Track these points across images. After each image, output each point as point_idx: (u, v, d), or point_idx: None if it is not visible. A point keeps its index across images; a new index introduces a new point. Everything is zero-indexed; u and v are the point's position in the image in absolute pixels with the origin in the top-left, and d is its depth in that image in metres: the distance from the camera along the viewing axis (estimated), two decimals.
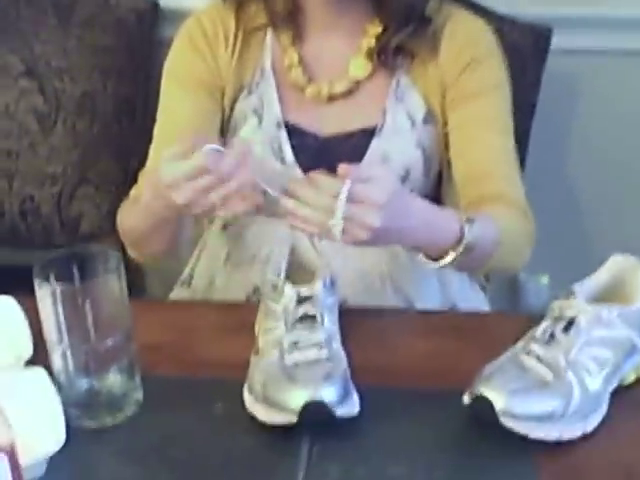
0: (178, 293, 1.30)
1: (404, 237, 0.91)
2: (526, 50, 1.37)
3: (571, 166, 1.66)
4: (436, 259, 0.96)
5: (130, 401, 0.87)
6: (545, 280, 1.74)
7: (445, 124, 1.16)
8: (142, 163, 1.60)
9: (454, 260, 0.95)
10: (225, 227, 1.26)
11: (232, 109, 1.19)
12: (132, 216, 1.10)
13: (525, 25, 1.38)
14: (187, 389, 0.90)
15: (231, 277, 1.23)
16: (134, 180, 1.60)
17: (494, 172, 1.12)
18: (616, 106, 1.60)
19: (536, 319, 0.90)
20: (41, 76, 1.54)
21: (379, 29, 1.15)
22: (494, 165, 1.12)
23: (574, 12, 1.48)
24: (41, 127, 1.55)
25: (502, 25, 1.31)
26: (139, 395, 0.88)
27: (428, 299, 1.19)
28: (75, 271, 0.85)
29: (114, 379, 0.86)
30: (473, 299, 1.26)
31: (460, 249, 0.94)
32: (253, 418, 0.85)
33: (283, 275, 0.95)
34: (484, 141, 1.14)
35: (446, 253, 0.95)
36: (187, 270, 1.31)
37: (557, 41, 1.39)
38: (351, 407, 0.84)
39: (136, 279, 1.64)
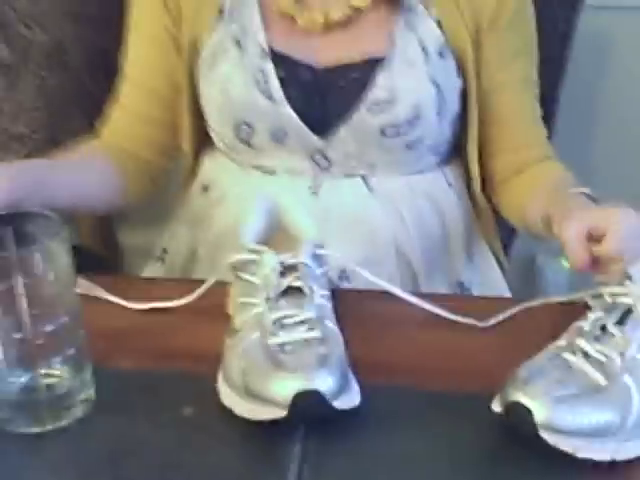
0: (152, 270, 1.14)
1: None
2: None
3: (599, 136, 1.55)
4: None
5: (77, 401, 0.73)
6: (566, 264, 1.60)
7: (475, 62, 1.03)
8: None
9: None
10: (206, 189, 1.10)
11: (198, 45, 1.04)
12: None
13: None
14: (149, 386, 0.76)
15: (217, 246, 1.06)
16: None
17: (537, 135, 1.10)
18: None
19: (579, 308, 0.76)
20: (6, 23, 1.39)
21: None
22: (535, 129, 1.10)
23: None
24: (6, 81, 1.40)
25: None
26: (90, 393, 0.74)
27: (434, 269, 1.07)
28: (9, 238, 0.70)
29: (57, 373, 0.71)
30: (486, 278, 1.12)
31: None
32: (231, 422, 0.70)
33: (254, 240, 0.80)
34: (524, 104, 1.08)
35: None
36: (160, 243, 1.15)
37: None
38: (351, 398, 0.70)
39: (111, 256, 1.50)
